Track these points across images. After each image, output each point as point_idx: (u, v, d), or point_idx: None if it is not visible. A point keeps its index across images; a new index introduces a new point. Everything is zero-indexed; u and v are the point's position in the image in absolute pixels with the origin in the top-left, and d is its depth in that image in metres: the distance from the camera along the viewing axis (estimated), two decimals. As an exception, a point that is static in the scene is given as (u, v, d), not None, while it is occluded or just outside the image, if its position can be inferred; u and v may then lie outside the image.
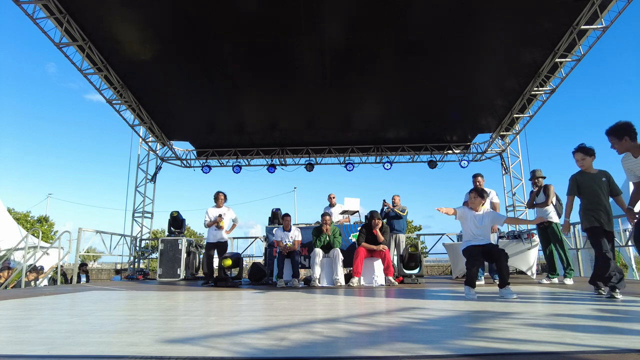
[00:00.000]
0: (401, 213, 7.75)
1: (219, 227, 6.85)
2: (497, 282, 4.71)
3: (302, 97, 9.51)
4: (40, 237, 10.70)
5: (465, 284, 4.15)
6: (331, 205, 7.93)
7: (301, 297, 4.35)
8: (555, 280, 5.94)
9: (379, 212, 7.57)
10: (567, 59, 7.91)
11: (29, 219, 25.57)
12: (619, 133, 3.51)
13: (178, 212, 9.27)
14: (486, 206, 4.74)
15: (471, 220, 4.40)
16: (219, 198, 6.97)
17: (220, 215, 6.85)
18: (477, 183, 6.33)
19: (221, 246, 7.01)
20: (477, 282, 6.35)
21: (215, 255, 7.11)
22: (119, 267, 12.77)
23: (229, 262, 6.57)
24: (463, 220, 4.47)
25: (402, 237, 7.78)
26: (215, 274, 6.92)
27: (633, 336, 2.04)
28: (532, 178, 6.27)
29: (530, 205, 6.30)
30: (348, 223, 7.40)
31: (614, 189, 3.97)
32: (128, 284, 7.77)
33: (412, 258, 6.42)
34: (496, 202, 6.35)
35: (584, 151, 4.01)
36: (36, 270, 8.78)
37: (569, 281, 5.76)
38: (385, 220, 7.03)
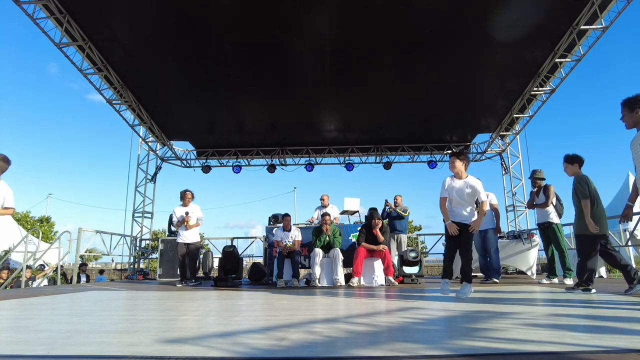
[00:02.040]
0: (403, 213, 7.76)
1: (188, 226, 6.71)
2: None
3: (302, 96, 9.51)
4: (40, 237, 10.70)
5: (442, 277, 3.93)
6: (323, 206, 7.89)
7: (301, 297, 4.34)
8: (555, 280, 5.94)
9: (381, 212, 7.57)
10: (567, 59, 7.93)
11: (29, 219, 25.55)
12: (632, 105, 3.40)
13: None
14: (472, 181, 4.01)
15: (453, 189, 3.93)
16: (186, 197, 6.82)
17: (187, 213, 6.72)
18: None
19: (193, 249, 6.74)
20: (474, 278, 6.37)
21: (216, 255, 7.05)
22: (118, 267, 12.72)
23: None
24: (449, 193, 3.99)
25: (404, 237, 7.79)
26: (215, 274, 6.89)
27: (633, 336, 2.03)
28: (531, 177, 6.25)
29: (530, 205, 6.28)
30: (347, 222, 7.38)
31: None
32: (128, 284, 7.77)
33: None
34: (494, 204, 6.32)
35: (565, 159, 4.52)
36: (31, 269, 8.75)
37: (568, 281, 5.75)
38: (387, 220, 7.02)
